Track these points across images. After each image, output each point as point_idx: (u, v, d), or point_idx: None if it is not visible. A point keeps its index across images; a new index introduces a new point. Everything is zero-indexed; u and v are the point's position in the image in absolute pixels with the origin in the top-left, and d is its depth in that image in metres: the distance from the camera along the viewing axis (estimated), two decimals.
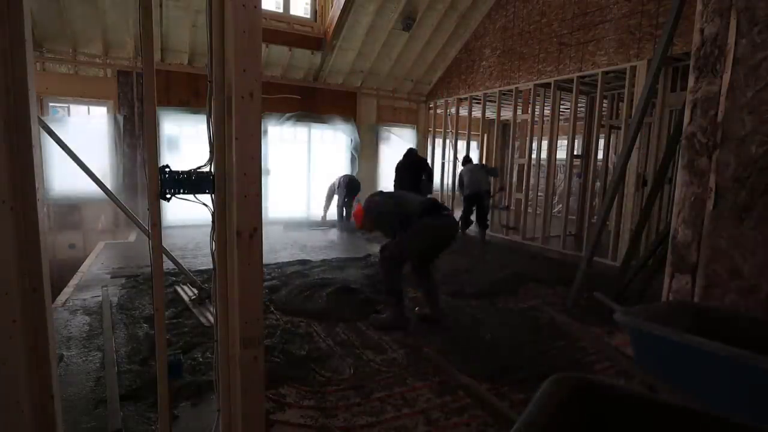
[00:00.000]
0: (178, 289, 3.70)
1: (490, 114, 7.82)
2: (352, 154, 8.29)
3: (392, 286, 3.15)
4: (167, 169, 1.40)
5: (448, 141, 8.18)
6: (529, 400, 0.93)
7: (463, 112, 8.12)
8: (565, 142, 6.48)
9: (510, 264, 5.09)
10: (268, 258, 4.83)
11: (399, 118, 8.86)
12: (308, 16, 7.26)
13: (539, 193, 6.64)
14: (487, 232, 6.67)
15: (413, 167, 6.13)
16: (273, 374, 2.34)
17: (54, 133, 3.09)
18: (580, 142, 7.03)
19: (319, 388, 2.29)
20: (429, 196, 5.64)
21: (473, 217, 6.64)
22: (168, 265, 3.21)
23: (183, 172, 1.42)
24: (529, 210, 6.63)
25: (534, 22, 6.33)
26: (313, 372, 2.46)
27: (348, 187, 7.20)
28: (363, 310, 3.39)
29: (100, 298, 3.56)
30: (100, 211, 6.28)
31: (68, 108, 6.25)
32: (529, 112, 6.36)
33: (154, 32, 5.04)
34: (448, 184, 8.31)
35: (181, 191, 1.43)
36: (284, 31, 6.85)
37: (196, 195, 1.46)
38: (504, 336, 3.05)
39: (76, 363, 2.49)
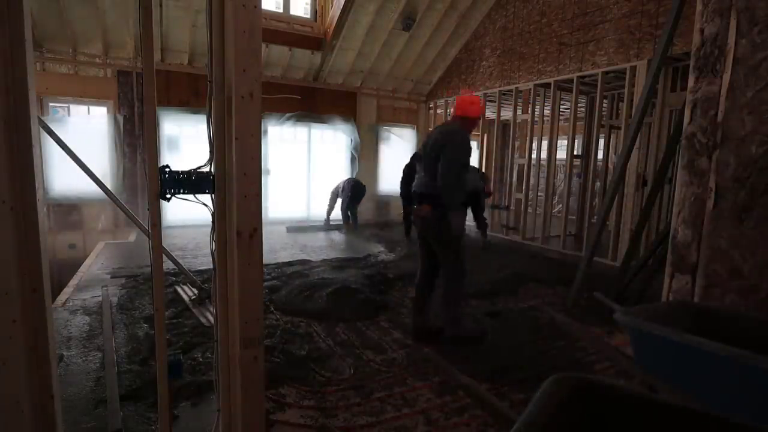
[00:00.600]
0: (178, 289, 3.70)
1: (490, 114, 7.82)
2: (352, 154, 8.29)
3: (462, 288, 2.88)
4: (167, 169, 1.40)
5: None
6: (529, 400, 0.93)
7: None
8: (565, 142, 6.47)
9: (510, 264, 5.09)
10: (268, 258, 4.83)
11: (399, 118, 8.86)
12: (308, 16, 7.26)
13: (539, 193, 6.64)
14: (487, 231, 6.65)
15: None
16: (273, 374, 2.34)
17: (54, 133, 3.09)
18: (580, 142, 7.03)
19: (319, 388, 2.29)
20: None
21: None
22: (168, 265, 3.21)
23: (183, 172, 1.42)
24: (529, 210, 6.63)
25: (534, 22, 6.32)
26: (313, 372, 2.46)
27: (353, 192, 7.08)
28: (363, 310, 3.39)
29: (100, 298, 3.56)
30: (100, 211, 6.28)
31: (68, 108, 6.24)
32: (529, 112, 6.35)
33: (154, 32, 5.05)
34: None
35: (181, 191, 1.43)
36: (284, 31, 6.85)
37: (196, 195, 1.46)
38: (504, 336, 3.05)
39: (76, 363, 2.49)
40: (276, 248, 5.74)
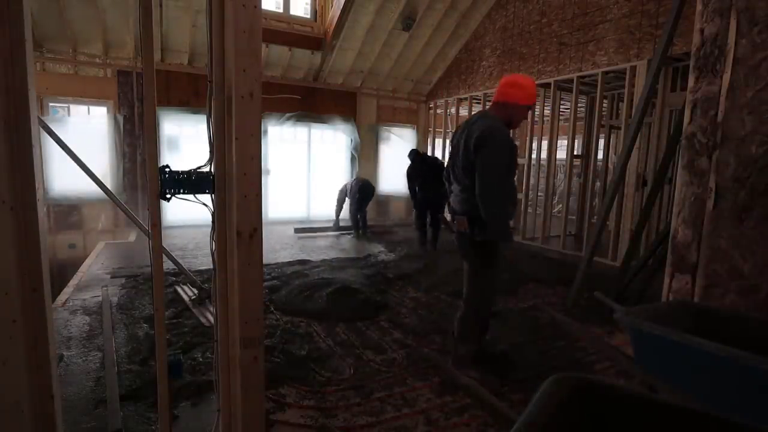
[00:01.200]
0: (178, 289, 3.70)
1: None
2: (352, 154, 8.29)
3: (488, 310, 2.48)
4: (167, 169, 1.40)
5: (448, 141, 8.18)
6: (529, 400, 0.93)
7: (463, 112, 8.11)
8: (565, 142, 6.47)
9: (510, 264, 5.09)
10: (268, 258, 4.83)
11: (399, 118, 8.86)
12: (308, 16, 7.26)
13: (539, 193, 6.64)
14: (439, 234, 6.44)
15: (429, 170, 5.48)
16: (273, 374, 2.34)
17: (54, 133, 3.09)
18: (580, 142, 7.03)
19: (319, 388, 2.29)
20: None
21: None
22: (168, 265, 3.21)
23: (183, 172, 1.42)
24: (529, 210, 6.63)
25: (534, 22, 6.32)
26: (313, 372, 2.46)
27: (361, 193, 6.66)
28: (363, 310, 3.39)
29: (100, 298, 3.56)
30: (100, 211, 6.28)
31: (68, 108, 6.25)
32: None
33: (154, 32, 5.05)
34: None
35: (181, 191, 1.43)
36: (284, 31, 6.85)
37: (196, 195, 1.46)
38: (504, 336, 3.04)
39: (76, 363, 2.49)
40: (276, 248, 5.74)
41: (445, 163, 3.05)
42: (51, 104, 6.05)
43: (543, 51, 6.18)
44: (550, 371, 1.08)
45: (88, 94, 6.15)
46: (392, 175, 8.26)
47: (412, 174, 5.62)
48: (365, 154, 8.41)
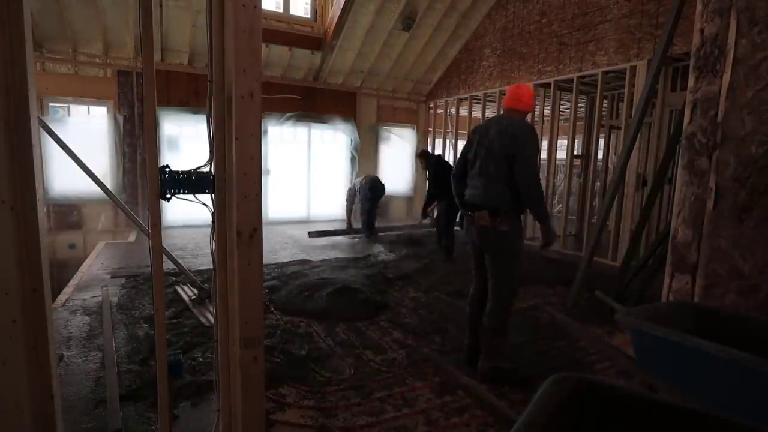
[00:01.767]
0: (178, 289, 3.70)
1: (490, 114, 7.81)
2: (352, 154, 8.29)
3: (511, 310, 2.54)
4: (167, 169, 1.40)
5: (448, 141, 8.18)
6: (529, 400, 0.93)
7: (463, 112, 8.12)
8: (565, 142, 6.47)
9: None
10: (268, 258, 4.83)
11: (399, 118, 8.86)
12: (308, 16, 7.26)
13: None
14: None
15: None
16: (273, 374, 2.34)
17: (54, 133, 3.09)
18: (580, 142, 7.03)
19: (319, 388, 2.29)
20: None
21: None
22: (168, 265, 3.21)
23: (183, 172, 1.42)
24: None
25: (534, 22, 6.32)
26: (313, 372, 2.46)
27: (372, 191, 6.39)
28: (363, 310, 3.39)
29: (100, 298, 3.56)
30: (100, 211, 6.28)
31: (68, 108, 6.25)
32: None
33: (154, 32, 5.05)
34: None
35: (181, 191, 1.43)
36: (284, 31, 6.85)
37: (196, 195, 1.46)
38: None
39: (76, 363, 2.49)
40: (276, 248, 5.74)
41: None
42: (51, 104, 6.05)
43: (543, 51, 6.18)
44: (550, 371, 1.08)
45: (88, 94, 6.15)
46: (392, 175, 8.26)
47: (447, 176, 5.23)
48: (365, 154, 8.41)
